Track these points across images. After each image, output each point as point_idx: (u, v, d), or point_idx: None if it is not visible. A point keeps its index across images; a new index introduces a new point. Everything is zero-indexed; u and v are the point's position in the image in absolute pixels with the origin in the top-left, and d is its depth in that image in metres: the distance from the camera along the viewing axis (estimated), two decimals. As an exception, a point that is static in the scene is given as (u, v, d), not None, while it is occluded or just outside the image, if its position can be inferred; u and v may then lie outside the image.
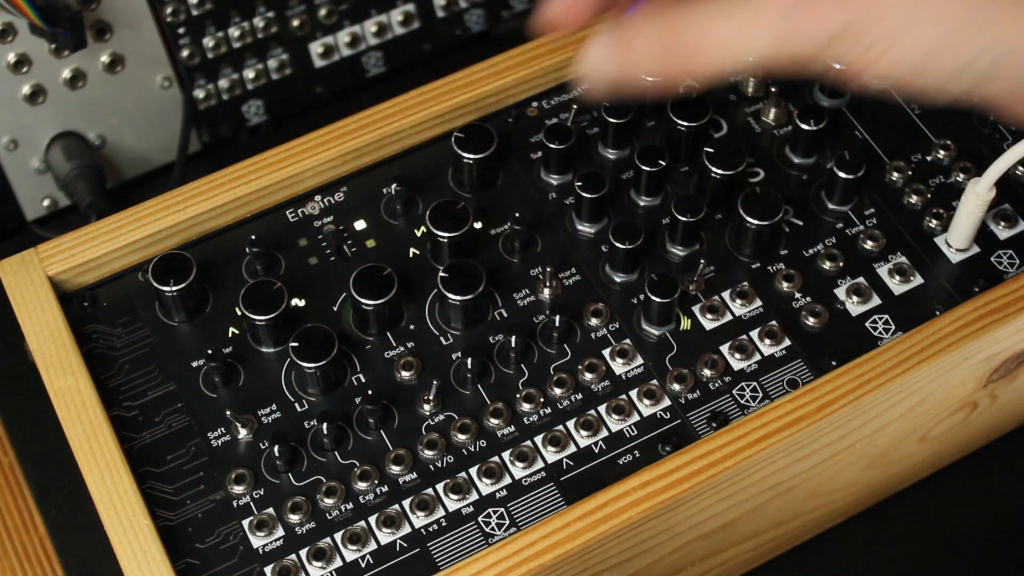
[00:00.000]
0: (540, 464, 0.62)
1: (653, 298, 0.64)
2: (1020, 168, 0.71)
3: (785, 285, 0.67)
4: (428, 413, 0.63)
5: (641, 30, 0.52)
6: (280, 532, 0.60)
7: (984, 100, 0.49)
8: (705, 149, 0.68)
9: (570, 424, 0.63)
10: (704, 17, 0.50)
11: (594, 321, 0.66)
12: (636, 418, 0.63)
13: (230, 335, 0.66)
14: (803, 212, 0.69)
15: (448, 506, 0.61)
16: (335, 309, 0.66)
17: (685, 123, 0.69)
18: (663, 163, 0.68)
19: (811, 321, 0.66)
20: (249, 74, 0.88)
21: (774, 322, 0.66)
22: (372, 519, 0.61)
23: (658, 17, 0.51)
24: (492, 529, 0.61)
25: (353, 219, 0.69)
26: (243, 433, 0.63)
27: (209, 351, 0.64)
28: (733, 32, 0.50)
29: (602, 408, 0.63)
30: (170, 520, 0.61)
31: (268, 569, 0.59)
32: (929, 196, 0.70)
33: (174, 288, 0.64)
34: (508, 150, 0.72)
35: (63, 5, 0.77)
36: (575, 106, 0.72)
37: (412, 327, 0.66)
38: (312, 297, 0.67)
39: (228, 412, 0.62)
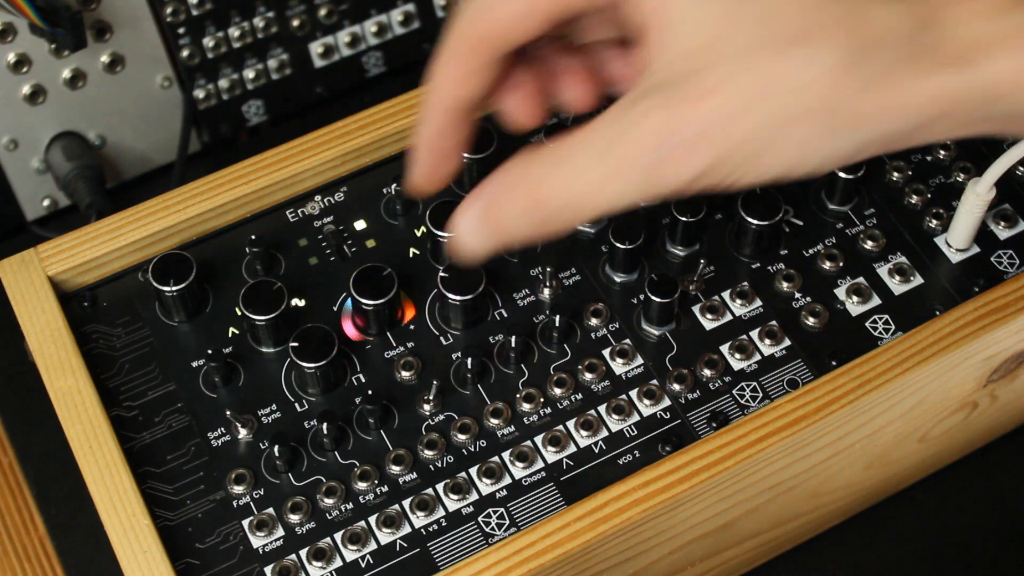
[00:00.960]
0: (540, 464, 0.62)
1: (653, 298, 0.64)
2: (1020, 168, 0.71)
3: (785, 285, 0.67)
4: (428, 413, 0.63)
5: (507, 200, 0.52)
6: (280, 532, 0.60)
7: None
8: (705, 149, 0.68)
9: (570, 424, 0.63)
10: (567, 176, 0.50)
11: (594, 321, 0.66)
12: (636, 418, 0.63)
13: (230, 335, 0.66)
14: (803, 212, 0.69)
15: (448, 506, 0.61)
16: (335, 309, 0.66)
17: (685, 123, 0.69)
18: (663, 163, 0.68)
19: (811, 321, 0.66)
20: (249, 74, 0.88)
21: (774, 322, 0.66)
22: (372, 519, 0.61)
23: (520, 181, 0.52)
24: (492, 529, 0.61)
25: (353, 219, 0.69)
26: (243, 433, 0.63)
27: (209, 351, 0.64)
28: (597, 187, 0.50)
29: (602, 408, 0.63)
30: (170, 520, 0.61)
31: (268, 569, 0.59)
32: (929, 196, 0.70)
33: (174, 288, 0.64)
34: (508, 150, 0.71)
35: (63, 5, 0.77)
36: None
37: (412, 327, 0.66)
38: (312, 297, 0.67)
39: (228, 412, 0.62)
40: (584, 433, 0.63)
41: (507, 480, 0.62)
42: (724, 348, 0.65)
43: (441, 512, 0.61)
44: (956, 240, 0.68)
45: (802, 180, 0.50)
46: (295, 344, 0.62)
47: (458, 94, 0.56)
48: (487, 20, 0.53)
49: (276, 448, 0.61)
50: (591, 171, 0.50)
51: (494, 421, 0.63)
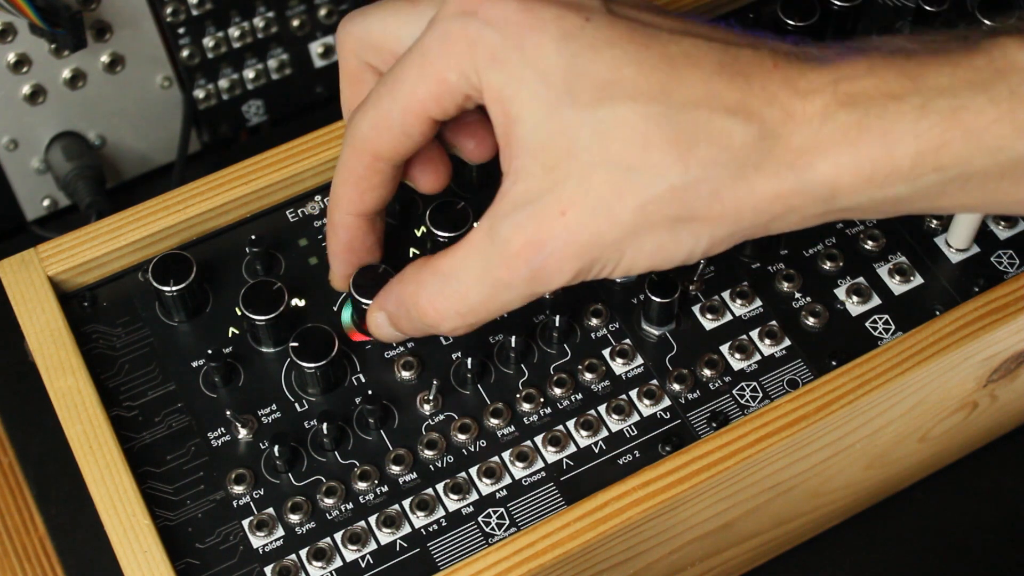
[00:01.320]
0: (540, 464, 0.62)
1: (653, 298, 0.64)
2: (1020, 168, 0.71)
3: (785, 285, 0.67)
4: (428, 413, 0.63)
5: (404, 321, 0.59)
6: (280, 532, 0.60)
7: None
8: (705, 149, 0.68)
9: (570, 424, 0.63)
10: (454, 296, 0.56)
11: (594, 321, 0.66)
12: (636, 418, 0.63)
13: (230, 335, 0.66)
14: (803, 212, 0.69)
15: (448, 506, 0.61)
16: (335, 309, 0.66)
17: (685, 123, 0.69)
18: (663, 163, 0.68)
19: (811, 321, 0.66)
20: (249, 74, 0.88)
21: (774, 322, 0.66)
22: (372, 519, 0.61)
23: (412, 305, 0.57)
24: (492, 529, 0.61)
25: (353, 219, 0.69)
26: (243, 433, 0.63)
27: (209, 351, 0.64)
28: (483, 300, 0.55)
29: (602, 408, 0.63)
30: (170, 520, 0.61)
31: (268, 569, 0.59)
32: (929, 196, 0.70)
33: (174, 288, 0.64)
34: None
35: (63, 5, 0.77)
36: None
37: (412, 327, 0.66)
38: (312, 297, 0.67)
39: (228, 412, 0.62)
40: (584, 433, 0.63)
41: (507, 480, 0.62)
42: (724, 348, 0.65)
43: (441, 512, 0.61)
44: (956, 240, 0.68)
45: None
46: (295, 344, 0.62)
47: (360, 208, 0.61)
48: (375, 140, 0.57)
49: (276, 448, 0.61)
50: (476, 289, 0.55)
51: (494, 421, 0.63)
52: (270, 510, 0.61)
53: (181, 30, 0.84)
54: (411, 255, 0.68)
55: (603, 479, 0.61)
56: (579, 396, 0.64)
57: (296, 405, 0.64)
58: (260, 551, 0.60)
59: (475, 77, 0.53)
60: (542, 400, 0.64)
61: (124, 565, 0.58)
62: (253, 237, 0.67)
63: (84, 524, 0.77)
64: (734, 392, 0.64)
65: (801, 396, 0.62)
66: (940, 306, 0.66)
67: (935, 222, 0.69)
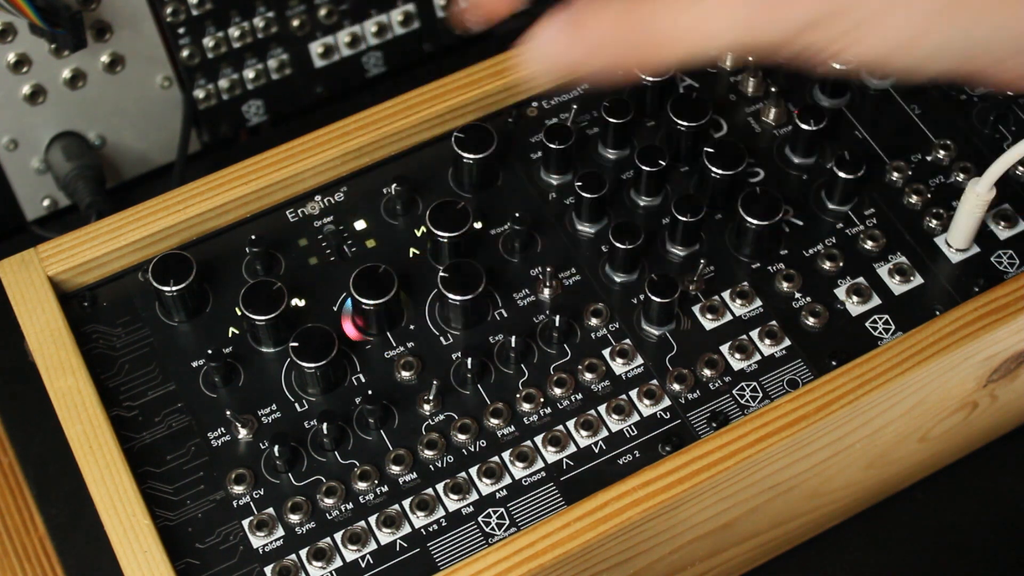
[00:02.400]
0: (540, 464, 0.62)
1: (653, 298, 0.64)
2: (1020, 168, 0.71)
3: (785, 285, 0.67)
4: (428, 413, 0.63)
5: (598, 15, 0.48)
6: (280, 532, 0.60)
7: (963, 74, 0.47)
8: (705, 149, 0.68)
9: (570, 424, 0.63)
10: (668, 2, 0.47)
11: (594, 321, 0.66)
12: (636, 418, 0.63)
13: (230, 335, 0.66)
14: (803, 212, 0.69)
15: (448, 506, 0.61)
16: (335, 309, 0.67)
17: (685, 123, 0.69)
18: (663, 163, 0.68)
19: (811, 321, 0.66)
20: (249, 74, 0.88)
21: (774, 322, 0.66)
22: (372, 519, 0.61)
23: (615, 2, 0.48)
24: (492, 529, 0.61)
25: (353, 219, 0.69)
26: (243, 433, 0.63)
27: (209, 351, 0.64)
28: (699, 20, 0.47)
29: (602, 408, 0.63)
30: (170, 520, 0.61)
31: (268, 569, 0.59)
32: (929, 196, 0.70)
33: (174, 288, 0.65)
34: (508, 150, 0.72)
35: (63, 5, 0.77)
36: (575, 106, 0.72)
37: (412, 327, 0.66)
38: (312, 297, 0.67)
39: (228, 412, 0.63)
40: (584, 433, 0.63)
41: (507, 480, 0.62)
42: (724, 348, 0.65)
43: (441, 512, 0.61)
44: (956, 240, 0.68)
45: (905, 80, 0.47)
46: (295, 344, 0.62)
47: None
48: None
49: (276, 448, 0.61)
50: (697, 2, 0.47)
51: (494, 421, 0.63)
52: (270, 510, 0.61)
53: (181, 30, 0.84)
54: (411, 255, 0.68)
55: (603, 479, 0.61)
56: (579, 396, 0.64)
57: (296, 405, 0.64)
58: (260, 551, 0.60)
59: None
60: (542, 400, 0.64)
61: (124, 565, 0.58)
62: (253, 237, 0.67)
63: (84, 524, 0.77)
64: (734, 392, 0.64)
65: (801, 396, 0.62)
66: (940, 306, 0.67)
67: (935, 222, 0.69)
